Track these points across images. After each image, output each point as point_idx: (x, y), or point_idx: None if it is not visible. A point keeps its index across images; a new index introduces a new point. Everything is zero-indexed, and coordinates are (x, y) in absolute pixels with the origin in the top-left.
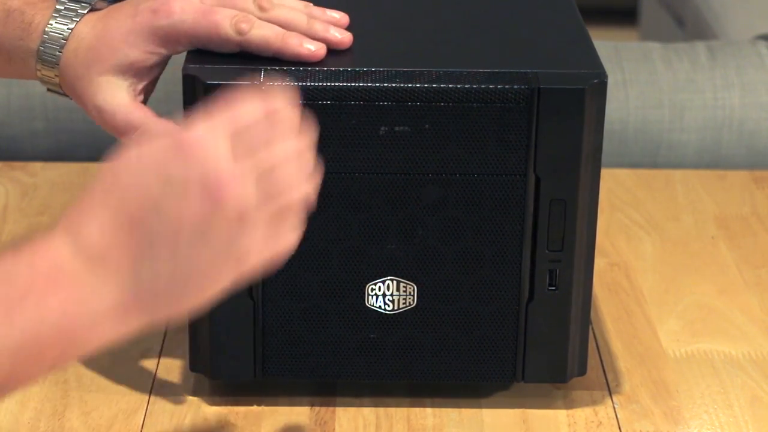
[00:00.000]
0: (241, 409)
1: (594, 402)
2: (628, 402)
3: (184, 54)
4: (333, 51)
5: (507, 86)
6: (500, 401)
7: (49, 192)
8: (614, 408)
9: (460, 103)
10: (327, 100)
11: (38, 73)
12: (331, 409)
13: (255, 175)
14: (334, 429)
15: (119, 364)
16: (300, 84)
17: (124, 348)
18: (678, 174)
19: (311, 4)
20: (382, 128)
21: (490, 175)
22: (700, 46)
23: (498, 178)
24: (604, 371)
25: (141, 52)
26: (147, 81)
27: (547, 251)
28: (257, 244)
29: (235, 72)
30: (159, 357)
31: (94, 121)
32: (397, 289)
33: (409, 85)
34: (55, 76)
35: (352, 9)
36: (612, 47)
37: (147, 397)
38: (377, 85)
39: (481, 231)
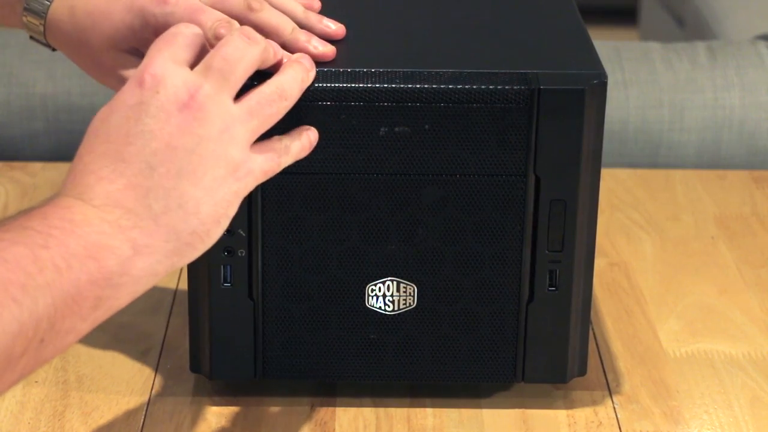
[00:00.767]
0: (241, 409)
1: (594, 402)
2: (628, 402)
3: None
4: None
5: (507, 87)
6: (500, 401)
7: (49, 192)
8: (614, 408)
9: (460, 103)
10: (327, 101)
11: (24, 19)
12: (331, 409)
13: (221, 77)
14: (334, 429)
15: (119, 364)
16: None
17: (124, 348)
18: (678, 174)
19: (310, 11)
20: (382, 129)
21: (490, 175)
22: (700, 46)
23: (498, 179)
24: (604, 371)
25: (133, 33)
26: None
27: (547, 251)
28: (247, 151)
29: None
30: (159, 357)
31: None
32: (397, 290)
33: (409, 85)
34: (41, 24)
35: (352, 9)
36: (612, 47)
37: (147, 397)
38: (377, 85)
39: (481, 231)
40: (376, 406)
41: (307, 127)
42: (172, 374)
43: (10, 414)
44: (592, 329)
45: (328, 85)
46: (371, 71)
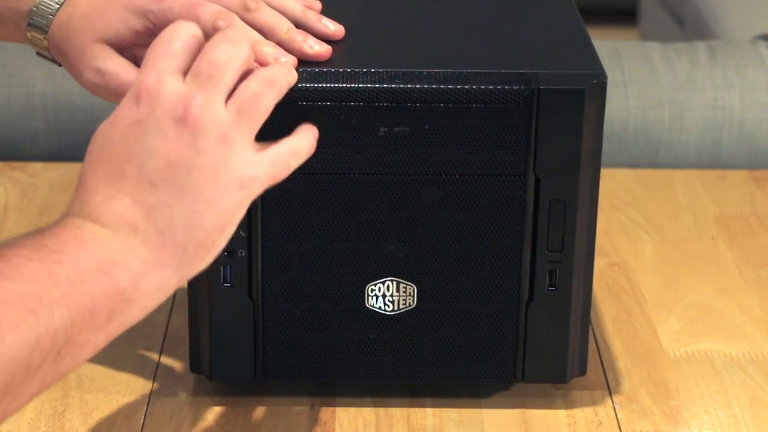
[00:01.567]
0: (241, 409)
1: (594, 402)
2: (628, 402)
3: None
4: (333, 52)
5: (507, 87)
6: (500, 401)
7: (49, 192)
8: (614, 408)
9: (459, 103)
10: (327, 102)
11: (28, 35)
12: (331, 409)
13: (211, 84)
14: (334, 429)
15: (119, 364)
16: (299, 85)
17: (124, 348)
18: (678, 174)
19: (310, 10)
20: (382, 129)
21: (489, 175)
22: (700, 46)
23: (498, 179)
24: (604, 371)
25: (132, 32)
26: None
27: (546, 252)
28: (247, 156)
29: None
30: (159, 357)
31: (88, 90)
32: (397, 290)
33: (409, 85)
34: (44, 38)
35: (352, 9)
36: (612, 47)
37: (147, 397)
38: (377, 86)
39: (480, 231)
40: (376, 406)
41: (309, 125)
42: (172, 374)
43: None
44: (592, 329)
45: (328, 85)
46: (371, 71)
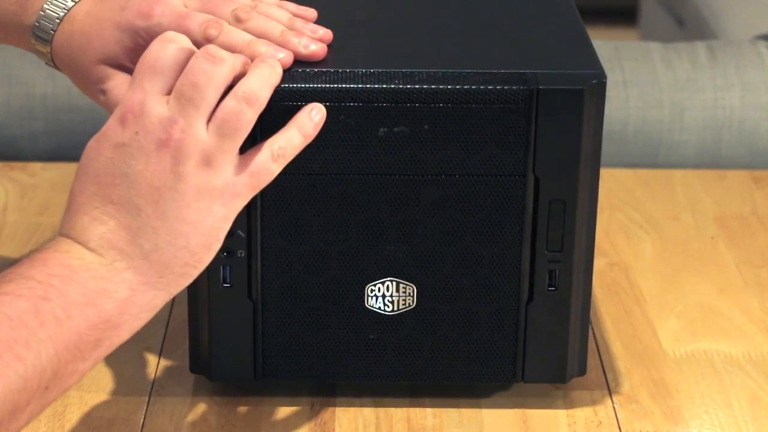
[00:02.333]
0: (241, 409)
1: (594, 402)
2: (628, 402)
3: None
4: (332, 52)
5: (506, 87)
6: (500, 401)
7: (49, 192)
8: (614, 408)
9: (459, 104)
10: (326, 102)
11: (33, 47)
12: (331, 409)
13: (192, 107)
14: (334, 429)
15: (119, 364)
16: (299, 86)
17: (124, 348)
18: (678, 174)
19: (298, 18)
20: (381, 129)
21: (489, 175)
22: (700, 46)
23: (497, 179)
24: (604, 371)
25: (125, 50)
26: None
27: (546, 251)
28: (228, 176)
29: None
30: (159, 357)
31: (100, 107)
32: (397, 290)
33: (408, 86)
34: (48, 51)
35: (351, 9)
36: (612, 47)
37: (147, 397)
38: (376, 86)
39: (480, 231)
40: (376, 406)
41: (297, 120)
42: (172, 374)
43: None
44: (592, 329)
45: (327, 86)
46: (370, 71)
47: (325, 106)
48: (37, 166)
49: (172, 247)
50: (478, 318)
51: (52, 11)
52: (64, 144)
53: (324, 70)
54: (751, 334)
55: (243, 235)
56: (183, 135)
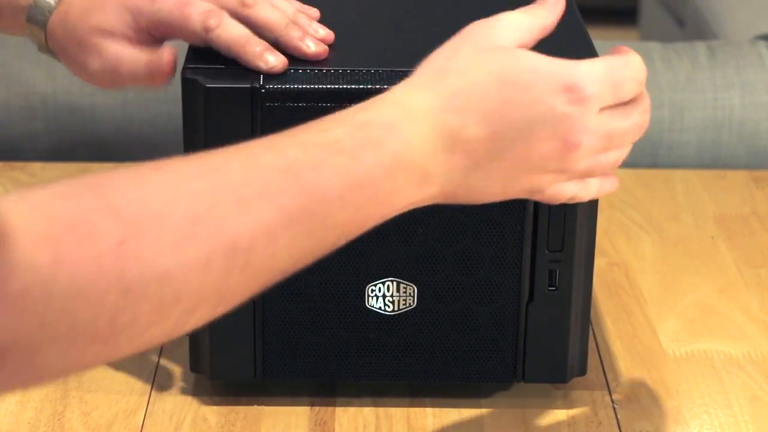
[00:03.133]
0: (241, 409)
1: (594, 402)
2: (628, 402)
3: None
4: (332, 52)
5: None
6: (500, 401)
7: None
8: (614, 408)
9: None
10: (326, 102)
11: (27, 31)
12: (331, 409)
13: (604, 131)
14: (334, 429)
15: (119, 364)
16: (299, 86)
17: None
18: (678, 174)
19: (302, 14)
20: None
21: None
22: (700, 46)
23: None
24: (604, 371)
25: (127, 28)
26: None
27: (547, 251)
28: (569, 187)
29: (235, 74)
30: (159, 357)
31: (90, 83)
32: (397, 290)
33: None
34: (43, 33)
35: (352, 9)
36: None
37: (147, 397)
38: (377, 86)
39: (480, 231)
40: (376, 406)
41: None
42: (172, 374)
43: (10, 414)
44: (592, 329)
45: (327, 86)
46: (370, 71)
47: (326, 106)
48: (37, 166)
49: (481, 188)
50: (479, 318)
51: None
52: (64, 144)
53: (324, 70)
54: (751, 334)
55: None
56: (584, 153)
